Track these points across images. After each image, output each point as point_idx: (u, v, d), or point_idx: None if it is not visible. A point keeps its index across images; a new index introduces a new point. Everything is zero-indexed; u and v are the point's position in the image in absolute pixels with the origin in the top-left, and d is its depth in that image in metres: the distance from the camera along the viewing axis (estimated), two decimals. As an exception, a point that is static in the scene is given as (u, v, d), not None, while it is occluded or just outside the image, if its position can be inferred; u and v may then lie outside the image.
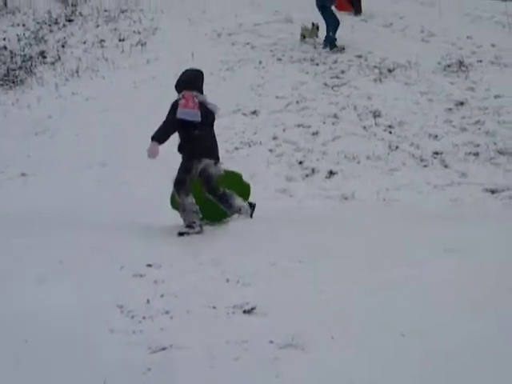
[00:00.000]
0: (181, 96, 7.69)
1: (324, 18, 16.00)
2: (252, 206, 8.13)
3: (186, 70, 8.19)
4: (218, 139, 11.10)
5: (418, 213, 8.70)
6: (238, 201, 8.01)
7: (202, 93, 7.82)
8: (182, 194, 7.69)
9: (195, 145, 7.70)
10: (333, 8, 16.28)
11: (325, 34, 15.97)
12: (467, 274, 5.64)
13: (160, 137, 7.72)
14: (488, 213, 8.64)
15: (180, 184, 7.73)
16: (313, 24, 16.28)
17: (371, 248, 6.64)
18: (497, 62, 14.47)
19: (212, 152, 7.87)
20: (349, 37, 16.70)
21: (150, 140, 7.71)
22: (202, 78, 7.96)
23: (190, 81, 7.82)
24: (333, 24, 15.81)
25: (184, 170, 7.77)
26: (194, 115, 7.56)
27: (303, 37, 16.30)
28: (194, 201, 7.69)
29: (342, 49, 15.57)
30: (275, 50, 15.90)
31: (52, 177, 10.58)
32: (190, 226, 7.63)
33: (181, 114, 7.57)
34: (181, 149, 7.87)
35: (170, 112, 7.74)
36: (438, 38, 16.26)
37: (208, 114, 7.74)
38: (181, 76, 8.01)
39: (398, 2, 21.00)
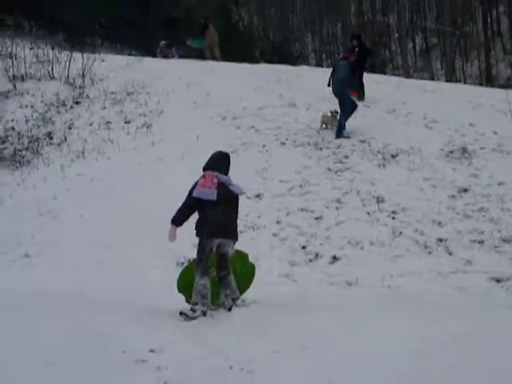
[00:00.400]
0: (201, 176, 8.05)
1: (340, 105, 16.05)
2: (233, 300, 8.07)
3: (214, 153, 8.50)
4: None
5: (423, 301, 8.63)
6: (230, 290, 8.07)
7: (225, 174, 8.15)
8: (197, 273, 7.78)
9: (208, 223, 7.89)
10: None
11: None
12: (474, 365, 5.58)
13: (178, 219, 8.02)
14: (494, 302, 8.57)
15: (197, 263, 7.89)
16: (331, 112, 16.40)
17: (376, 336, 6.58)
18: (499, 149, 14.60)
19: (227, 231, 8.01)
20: (352, 122, 16.88)
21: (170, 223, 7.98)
22: (227, 160, 8.35)
23: (214, 162, 8.22)
24: (347, 111, 15.90)
25: (200, 249, 7.93)
26: (209, 194, 7.86)
27: (325, 125, 16.40)
28: (207, 283, 7.74)
29: (348, 137, 15.71)
30: (279, 133, 16.08)
31: (56, 258, 10.58)
32: (192, 309, 7.60)
33: (197, 193, 7.93)
34: (196, 227, 8.04)
35: (189, 193, 8.10)
36: (441, 125, 16.44)
37: (229, 195, 8.01)
38: (209, 158, 8.36)
39: (401, 88, 21.35)
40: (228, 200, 8.07)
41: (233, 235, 8.12)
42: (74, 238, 11.20)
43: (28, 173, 14.55)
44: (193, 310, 7.61)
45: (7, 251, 11.09)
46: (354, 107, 15.96)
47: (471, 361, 5.69)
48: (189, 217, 8.04)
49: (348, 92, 16.07)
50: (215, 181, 7.98)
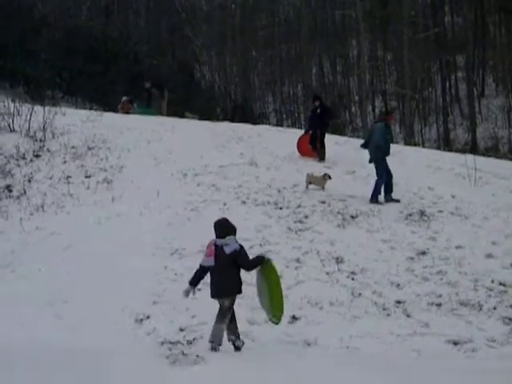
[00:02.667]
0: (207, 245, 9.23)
1: (376, 171, 16.09)
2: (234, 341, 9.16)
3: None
4: (181, 279, 11.22)
5: (381, 363, 8.65)
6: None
7: (223, 237, 9.05)
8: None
9: (210, 285, 9.19)
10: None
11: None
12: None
13: (192, 281, 9.21)
14: (451, 366, 8.62)
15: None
16: (325, 174, 16.57)
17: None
18: (457, 212, 14.86)
19: (220, 291, 9.11)
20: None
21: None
22: (223, 225, 9.24)
23: (215, 229, 9.22)
24: (380, 177, 15.93)
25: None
26: (208, 261, 9.06)
27: (309, 183, 16.49)
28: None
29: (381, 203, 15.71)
30: (240, 192, 16.16)
31: (12, 313, 10.37)
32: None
33: (202, 261, 9.24)
34: None
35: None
36: (400, 188, 16.69)
37: (225, 256, 8.97)
38: None
39: (361, 150, 21.65)
40: (225, 261, 8.96)
41: (226, 293, 9.08)
42: (32, 293, 11.02)
43: (-14, 226, 14.39)
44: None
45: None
46: (388, 175, 15.99)
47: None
48: (201, 279, 9.20)
49: (380, 158, 16.04)
50: (212, 248, 9.03)
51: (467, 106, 52.09)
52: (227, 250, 8.98)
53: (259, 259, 9.33)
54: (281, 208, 15.16)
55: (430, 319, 10.19)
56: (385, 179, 15.75)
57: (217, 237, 9.10)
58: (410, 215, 14.82)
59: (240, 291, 9.24)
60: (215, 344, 8.92)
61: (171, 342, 9.53)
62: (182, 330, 9.96)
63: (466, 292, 11.06)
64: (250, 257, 9.30)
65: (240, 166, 18.51)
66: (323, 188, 16.38)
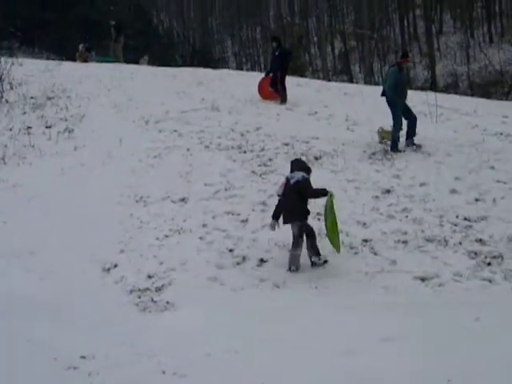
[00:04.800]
0: None
1: (392, 115, 15.24)
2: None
3: None
4: (147, 226, 11.20)
5: (351, 301, 8.75)
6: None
7: (294, 171, 10.50)
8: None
9: (283, 211, 10.32)
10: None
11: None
12: (405, 364, 5.66)
13: (275, 214, 10.35)
14: (419, 300, 8.75)
15: None
16: (391, 127, 15.36)
17: (307, 337, 6.62)
18: (420, 150, 14.90)
19: (288, 216, 10.21)
20: (274, 125, 17.02)
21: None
22: (294, 162, 10.86)
23: (290, 166, 10.79)
24: (396, 122, 15.12)
25: None
26: (279, 190, 10.56)
27: (382, 138, 15.62)
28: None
29: (400, 151, 15.11)
30: (202, 137, 16.03)
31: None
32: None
33: (276, 191, 10.83)
34: None
35: None
36: (363, 127, 16.71)
37: (290, 186, 10.26)
38: None
39: (322, 91, 21.62)
40: (290, 190, 10.19)
41: (292, 219, 10.18)
42: (-3, 246, 10.93)
43: None
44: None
45: None
46: (409, 119, 15.28)
47: (402, 359, 5.78)
48: (281, 210, 10.29)
49: (396, 101, 15.11)
50: (283, 180, 10.59)
51: (426, 44, 52.10)
52: (292, 181, 10.24)
53: (322, 191, 10.28)
54: (244, 152, 15.09)
55: (397, 256, 10.29)
56: (401, 123, 15.09)
57: (290, 172, 10.48)
58: (374, 154, 14.84)
59: (305, 218, 10.23)
60: (293, 269, 10.00)
61: (140, 290, 9.55)
62: (150, 277, 9.96)
63: (431, 228, 11.16)
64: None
65: (202, 110, 18.36)
66: None
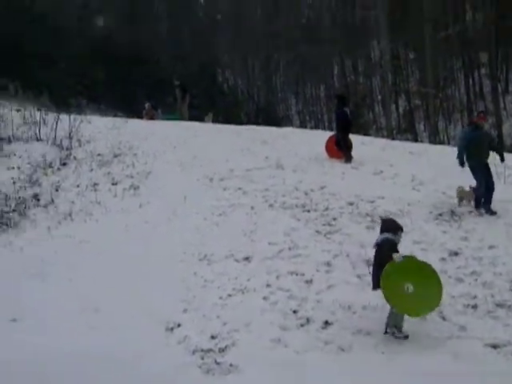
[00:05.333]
0: None
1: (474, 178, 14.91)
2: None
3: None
4: (210, 285, 11.16)
5: (418, 368, 8.50)
6: None
7: (383, 231, 10.17)
8: None
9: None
10: None
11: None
12: None
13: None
14: (490, 370, 8.45)
15: None
16: (470, 187, 15.12)
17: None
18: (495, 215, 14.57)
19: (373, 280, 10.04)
20: (339, 184, 16.92)
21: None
22: (383, 223, 10.60)
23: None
24: (478, 183, 14.80)
25: None
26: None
27: (460, 199, 15.23)
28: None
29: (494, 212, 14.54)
30: (267, 195, 16.02)
31: (43, 322, 10.35)
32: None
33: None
34: None
35: None
36: (429, 187, 16.49)
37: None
38: None
39: (387, 150, 21.48)
40: (375, 255, 10.08)
41: (376, 288, 9.80)
42: (62, 302, 10.99)
43: (15, 235, 14.31)
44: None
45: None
46: (487, 184, 14.74)
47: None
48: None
49: (471, 164, 14.75)
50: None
51: (492, 103, 51.54)
52: (374, 244, 10.09)
53: (388, 260, 9.65)
54: (309, 211, 15.00)
55: (467, 322, 9.99)
56: (483, 183, 14.64)
57: (380, 233, 10.20)
58: (440, 215, 14.59)
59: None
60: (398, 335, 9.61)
61: (203, 350, 9.46)
62: (213, 337, 9.88)
63: (501, 293, 10.82)
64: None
65: (266, 169, 18.37)
66: (471, 201, 15.23)
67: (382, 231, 10.20)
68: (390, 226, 10.23)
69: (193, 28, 61.26)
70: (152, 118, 28.74)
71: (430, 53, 47.22)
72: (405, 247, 12.38)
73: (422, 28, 48.02)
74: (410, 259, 10.00)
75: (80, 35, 45.07)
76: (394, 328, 9.63)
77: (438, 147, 25.02)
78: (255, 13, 61.91)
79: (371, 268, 11.77)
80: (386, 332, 9.68)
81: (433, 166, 18.91)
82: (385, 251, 9.72)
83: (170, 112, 29.72)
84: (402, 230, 10.23)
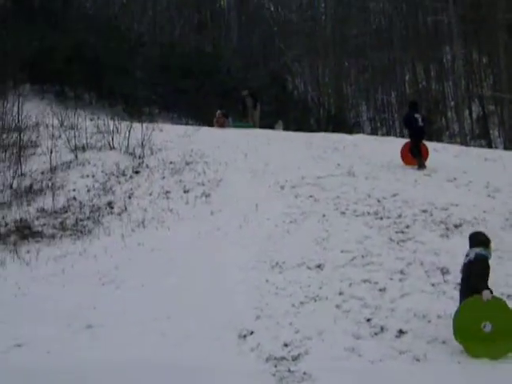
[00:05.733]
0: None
1: None
2: None
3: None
4: (283, 293, 11.14)
5: (497, 378, 8.32)
6: None
7: (471, 247, 9.92)
8: None
9: None
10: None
11: None
12: None
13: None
14: None
15: None
16: None
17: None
18: None
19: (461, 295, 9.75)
20: (412, 191, 16.70)
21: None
22: (473, 237, 10.18)
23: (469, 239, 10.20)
24: None
25: None
26: (461, 270, 9.93)
27: None
28: None
29: None
30: (338, 203, 15.91)
31: (119, 329, 10.50)
32: None
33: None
34: None
35: None
36: (505, 194, 16.15)
37: (464, 265, 9.82)
38: None
39: (460, 157, 21.15)
40: (465, 270, 9.75)
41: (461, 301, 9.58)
42: (136, 309, 11.12)
43: (89, 242, 14.57)
44: None
45: (70, 323, 11.03)
46: None
47: None
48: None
49: None
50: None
51: None
52: (466, 259, 9.77)
53: (484, 286, 9.42)
54: (381, 218, 14.85)
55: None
56: None
57: (469, 247, 9.93)
58: (517, 222, 14.30)
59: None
60: None
61: (276, 358, 9.44)
62: (286, 345, 9.86)
63: None
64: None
65: (337, 176, 18.24)
66: None
67: (472, 245, 9.91)
68: (482, 240, 9.95)
69: (263, 36, 61.47)
70: (222, 126, 28.89)
71: (505, 57, 46.28)
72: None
73: (495, 32, 47.15)
74: (497, 301, 9.53)
75: (153, 45, 45.73)
76: None
77: (514, 153, 24.46)
78: (325, 20, 61.68)
79: (445, 276, 11.67)
80: None
81: (508, 172, 18.54)
82: (479, 269, 9.50)
83: (241, 119, 29.82)
84: (490, 241, 9.99)
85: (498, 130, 49.97)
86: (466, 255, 9.82)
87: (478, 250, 9.69)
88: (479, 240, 9.91)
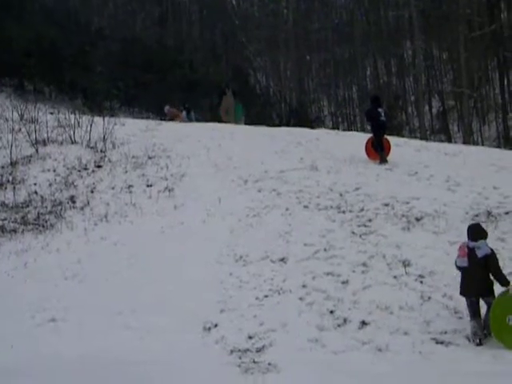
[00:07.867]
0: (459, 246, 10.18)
1: None
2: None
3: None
4: (246, 286, 11.19)
5: (456, 368, 8.45)
6: None
7: (475, 240, 9.87)
8: None
9: (461, 284, 9.92)
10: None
11: None
12: None
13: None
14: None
15: None
16: None
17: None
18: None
19: (470, 290, 9.76)
20: (374, 185, 16.84)
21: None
22: (473, 229, 10.12)
23: (468, 232, 10.10)
24: None
25: None
26: (462, 262, 9.88)
27: None
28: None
29: None
30: (301, 197, 15.99)
31: (81, 322, 10.48)
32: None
33: (457, 262, 10.08)
34: None
35: None
36: (464, 188, 16.34)
37: (475, 258, 9.69)
38: None
39: (421, 151, 21.35)
40: (476, 262, 9.68)
41: (471, 293, 9.73)
42: (100, 303, 11.10)
43: (52, 237, 14.49)
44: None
45: (33, 315, 10.99)
46: None
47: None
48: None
49: None
50: (465, 249, 9.86)
51: (527, 103, 51.08)
52: (479, 253, 9.71)
53: (505, 279, 9.66)
54: (344, 212, 14.96)
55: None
56: None
57: (469, 240, 9.90)
58: (477, 216, 14.44)
59: (485, 293, 9.68)
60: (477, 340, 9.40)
61: (240, 350, 9.50)
62: (250, 337, 9.94)
63: (540, 293, 10.75)
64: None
65: (300, 170, 18.31)
66: None
67: (475, 238, 9.91)
68: (483, 232, 10.09)
69: (225, 30, 61.48)
70: (172, 120, 28.96)
71: (465, 52, 46.76)
72: (440, 248, 12.41)
73: (456, 27, 47.60)
74: None
75: (114, 39, 45.47)
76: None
77: (473, 148, 24.81)
78: (287, 14, 61.79)
79: (407, 269, 11.81)
80: (479, 343, 9.45)
81: (468, 166, 18.77)
82: (497, 262, 9.74)
83: (202, 114, 29.93)
84: (487, 235, 10.22)
85: (457, 125, 50.54)
86: (471, 247, 9.82)
87: (483, 242, 9.85)
88: (481, 232, 10.04)
